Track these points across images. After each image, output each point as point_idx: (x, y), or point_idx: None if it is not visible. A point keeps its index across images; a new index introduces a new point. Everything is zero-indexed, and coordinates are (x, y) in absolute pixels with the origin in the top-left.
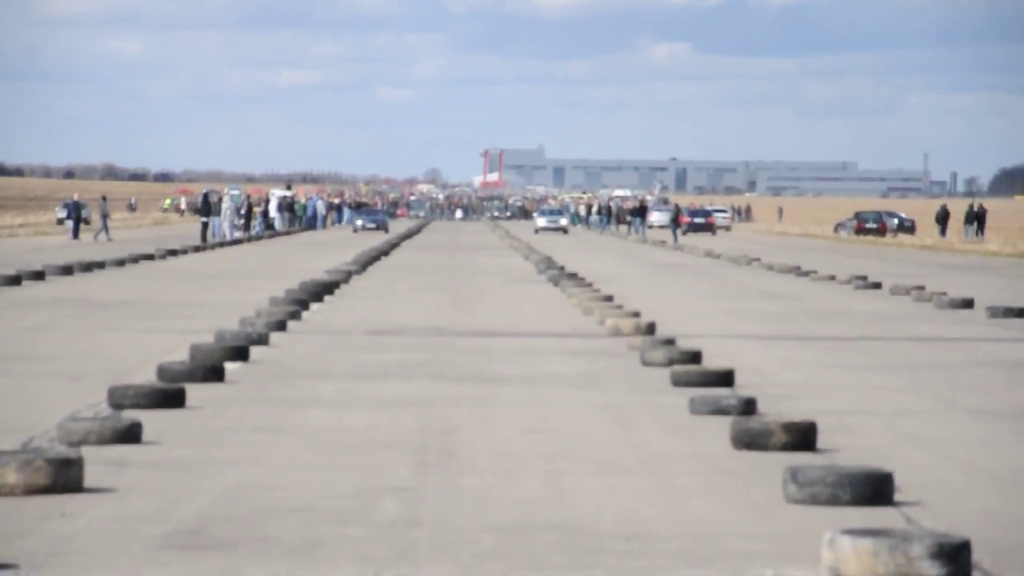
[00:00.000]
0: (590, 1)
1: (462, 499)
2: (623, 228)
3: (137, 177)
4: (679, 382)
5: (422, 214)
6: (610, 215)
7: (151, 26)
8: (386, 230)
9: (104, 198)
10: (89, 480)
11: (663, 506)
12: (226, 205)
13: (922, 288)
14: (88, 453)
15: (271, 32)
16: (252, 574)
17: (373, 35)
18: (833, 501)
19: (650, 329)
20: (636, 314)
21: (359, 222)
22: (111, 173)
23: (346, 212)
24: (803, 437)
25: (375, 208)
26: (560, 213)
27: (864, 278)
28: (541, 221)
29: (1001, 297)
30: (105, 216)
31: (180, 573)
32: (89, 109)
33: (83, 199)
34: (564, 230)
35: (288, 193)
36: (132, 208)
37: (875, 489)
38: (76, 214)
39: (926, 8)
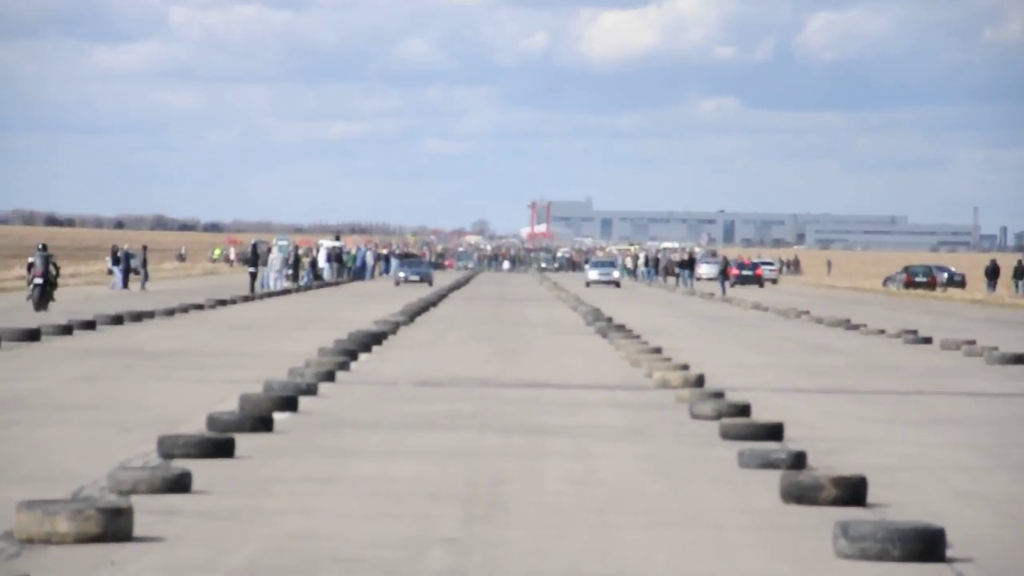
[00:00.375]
0: (639, 55)
1: (510, 551)
2: (671, 280)
3: (187, 227)
4: (728, 435)
5: (470, 265)
6: (657, 267)
7: (203, 79)
8: (430, 283)
9: (144, 248)
10: (139, 529)
11: (712, 560)
12: (274, 255)
13: (973, 343)
14: (138, 502)
15: (321, 85)
16: None
17: (422, 88)
18: (884, 556)
19: (699, 382)
20: (685, 367)
21: (402, 274)
22: (161, 223)
23: (393, 263)
24: (853, 492)
25: (419, 259)
26: (612, 265)
27: (914, 332)
28: (593, 274)
29: None
30: (144, 264)
31: None
32: (140, 160)
33: (131, 249)
34: (616, 283)
35: (337, 243)
36: (182, 258)
37: (926, 545)
38: (125, 264)
39: (975, 64)
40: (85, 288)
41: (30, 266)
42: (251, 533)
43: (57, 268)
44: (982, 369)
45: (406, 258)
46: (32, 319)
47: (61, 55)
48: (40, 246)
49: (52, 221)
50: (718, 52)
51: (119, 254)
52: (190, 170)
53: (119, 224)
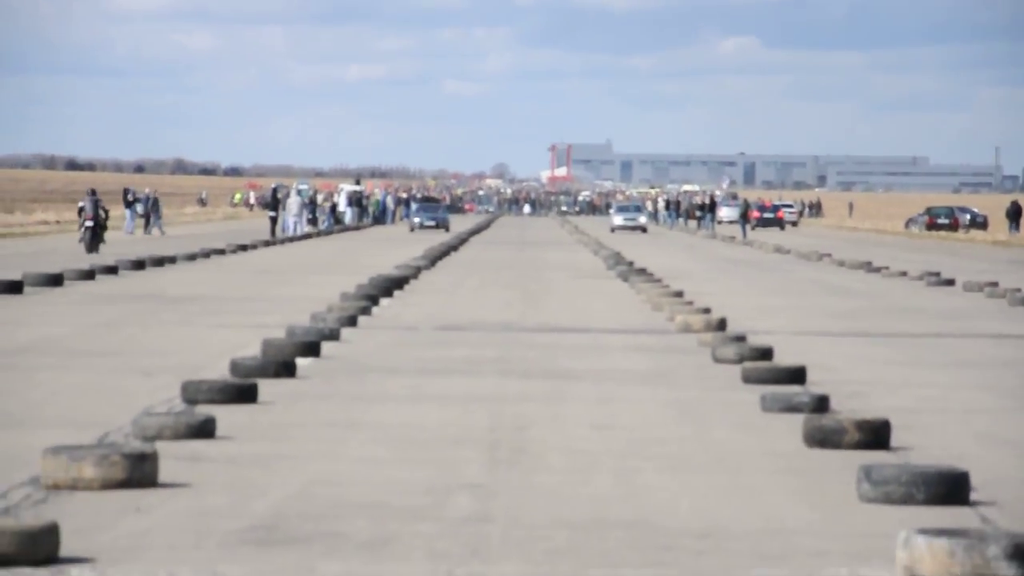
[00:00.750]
0: None
1: (534, 496)
2: (692, 223)
3: (207, 172)
4: (750, 379)
5: (491, 209)
6: (679, 210)
7: (219, 20)
8: (447, 228)
9: (151, 194)
10: (164, 475)
11: (736, 504)
12: (292, 200)
13: (995, 284)
14: (163, 448)
15: (338, 27)
16: (325, 569)
17: (439, 29)
18: (908, 500)
19: (721, 325)
20: (706, 310)
21: (417, 219)
22: (181, 167)
23: (413, 207)
24: (876, 435)
25: (436, 203)
26: (639, 210)
27: (937, 274)
28: (617, 219)
29: None
30: (155, 208)
31: (255, 569)
32: (159, 103)
33: (151, 192)
34: (643, 228)
35: (358, 188)
36: (203, 202)
37: (950, 488)
38: (145, 208)
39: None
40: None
41: (80, 210)
42: (275, 479)
43: (106, 212)
44: (1004, 311)
45: (423, 202)
46: (85, 260)
47: None
48: (90, 191)
49: (72, 165)
50: None
51: (129, 197)
52: (209, 113)
53: (139, 168)
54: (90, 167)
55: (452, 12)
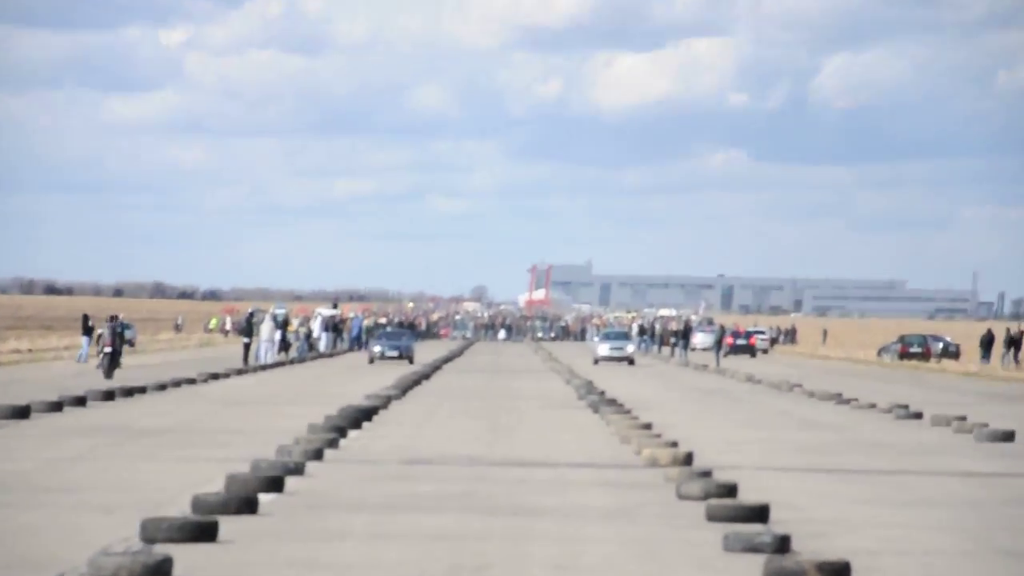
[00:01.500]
0: (651, 105)
1: None
2: (666, 350)
3: (186, 295)
4: (714, 517)
5: (467, 335)
6: (652, 336)
7: (213, 133)
8: (411, 359)
9: (112, 320)
10: None
11: None
12: (266, 326)
13: (963, 419)
14: None
15: (332, 138)
16: None
17: (431, 142)
18: None
19: (687, 460)
20: (674, 444)
21: (377, 349)
22: (160, 291)
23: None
24: None
25: (398, 331)
26: (627, 338)
27: (905, 407)
28: (602, 349)
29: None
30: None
31: None
32: (142, 222)
33: (127, 320)
34: (630, 360)
35: (334, 312)
36: (178, 328)
37: None
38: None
39: (989, 112)
40: (76, 364)
41: (99, 337)
42: None
43: (123, 339)
44: (971, 447)
45: (379, 328)
46: (103, 383)
47: (73, 109)
48: (110, 317)
49: (51, 290)
50: (732, 100)
51: (89, 323)
52: (191, 233)
53: (118, 292)
54: (68, 291)
55: (446, 123)
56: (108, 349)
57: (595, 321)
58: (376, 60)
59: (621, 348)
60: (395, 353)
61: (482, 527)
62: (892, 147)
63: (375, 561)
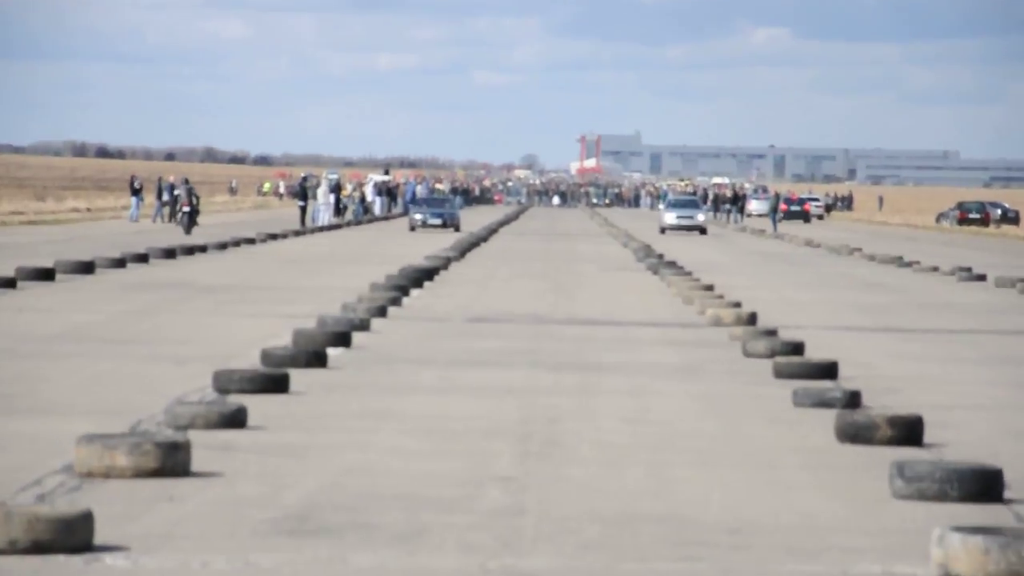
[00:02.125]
0: None
1: (565, 489)
2: (721, 217)
3: (237, 160)
4: (782, 374)
5: (521, 200)
6: (707, 202)
7: (251, 7)
8: (457, 227)
9: (161, 180)
10: (196, 464)
11: (767, 499)
12: (322, 190)
13: None
14: (195, 437)
15: (370, 15)
16: (358, 561)
17: (471, 19)
18: (941, 497)
19: (751, 319)
20: (737, 304)
21: (418, 216)
22: (211, 156)
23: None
24: (909, 431)
25: (442, 197)
26: (696, 205)
27: (968, 270)
28: (669, 217)
29: None
30: (176, 198)
31: (287, 559)
32: (189, 92)
33: (174, 180)
34: (702, 229)
35: (387, 178)
36: (233, 191)
37: (985, 485)
38: (171, 196)
39: None
40: (135, 222)
41: (176, 197)
42: (307, 469)
43: (198, 198)
44: None
45: (427, 197)
46: (184, 239)
47: None
48: (183, 180)
49: (103, 153)
50: None
51: (136, 184)
52: (239, 102)
53: (170, 156)
54: (120, 155)
55: (485, 1)
56: (187, 208)
57: (649, 189)
58: None
59: (691, 216)
60: (438, 221)
61: (550, 382)
62: (936, 25)
63: (446, 413)
